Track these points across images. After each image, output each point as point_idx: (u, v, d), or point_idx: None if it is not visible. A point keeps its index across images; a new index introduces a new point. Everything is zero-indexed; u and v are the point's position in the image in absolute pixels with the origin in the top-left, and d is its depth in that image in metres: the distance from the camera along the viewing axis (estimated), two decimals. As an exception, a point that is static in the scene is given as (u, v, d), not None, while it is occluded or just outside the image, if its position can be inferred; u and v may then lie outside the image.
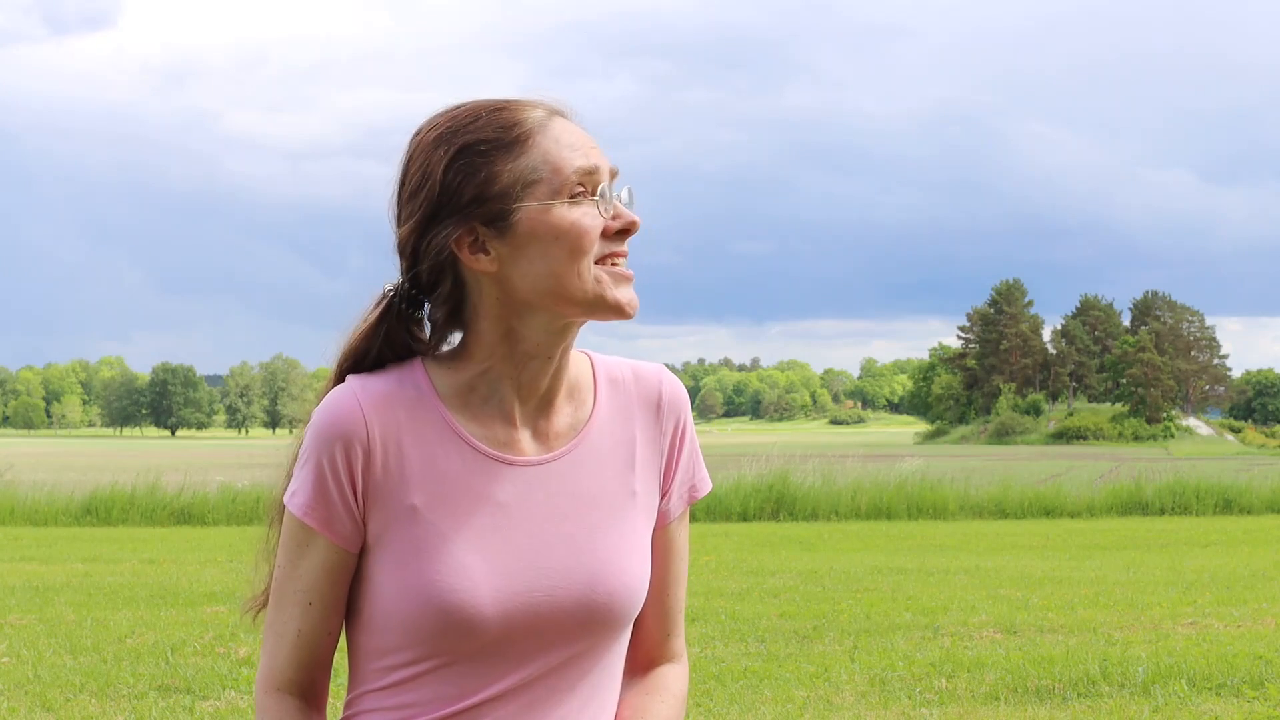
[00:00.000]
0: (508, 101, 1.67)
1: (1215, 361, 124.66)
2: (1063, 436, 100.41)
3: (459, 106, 1.67)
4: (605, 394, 1.73)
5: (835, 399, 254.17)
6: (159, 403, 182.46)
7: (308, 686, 1.68)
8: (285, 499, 1.66)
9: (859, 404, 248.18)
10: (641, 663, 1.80)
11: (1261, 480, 20.09)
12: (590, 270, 1.60)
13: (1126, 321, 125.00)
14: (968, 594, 9.69)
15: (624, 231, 1.63)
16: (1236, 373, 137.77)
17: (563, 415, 1.69)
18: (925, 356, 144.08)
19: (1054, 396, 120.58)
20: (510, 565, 1.62)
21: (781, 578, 10.80)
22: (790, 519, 17.89)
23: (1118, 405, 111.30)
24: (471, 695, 1.62)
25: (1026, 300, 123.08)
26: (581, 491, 1.67)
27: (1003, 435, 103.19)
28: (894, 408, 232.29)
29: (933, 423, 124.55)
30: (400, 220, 1.66)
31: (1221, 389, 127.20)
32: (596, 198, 1.61)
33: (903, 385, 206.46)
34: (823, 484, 18.78)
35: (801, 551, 13.40)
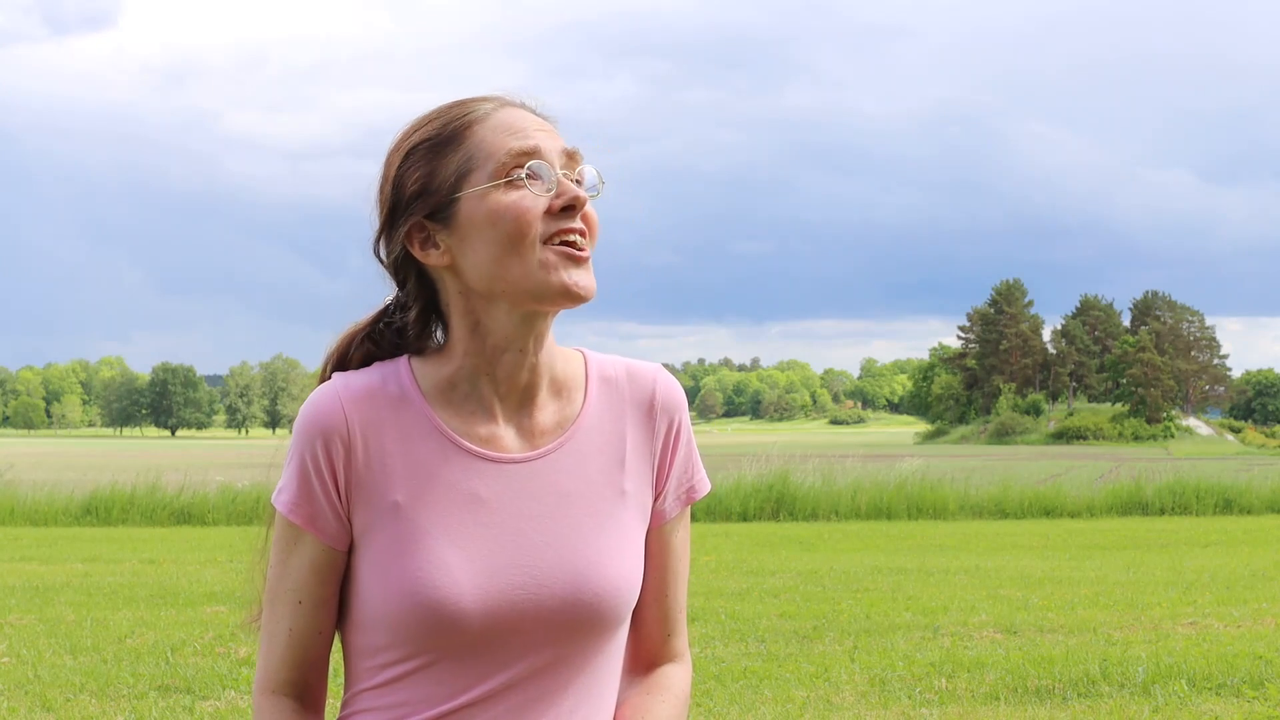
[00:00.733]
0: (464, 99, 1.67)
1: (1215, 361, 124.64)
2: (1063, 436, 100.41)
3: (424, 112, 1.69)
4: (596, 391, 1.71)
5: (835, 399, 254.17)
6: (159, 403, 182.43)
7: (303, 687, 1.68)
8: (273, 497, 1.66)
9: (859, 404, 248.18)
10: (643, 662, 1.80)
11: (1261, 480, 20.09)
12: (535, 253, 1.58)
13: (1126, 321, 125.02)
14: (968, 594, 9.69)
15: (570, 209, 1.59)
16: (1236, 373, 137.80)
17: (547, 412, 1.68)
18: (925, 356, 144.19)
19: (1054, 396, 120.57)
20: (494, 563, 1.61)
21: (781, 578, 10.80)
22: (790, 519, 17.89)
23: (1118, 405, 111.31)
24: (462, 694, 1.62)
25: (1026, 300, 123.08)
26: (567, 489, 1.66)
27: (1003, 435, 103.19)
28: (894, 408, 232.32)
29: (933, 423, 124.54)
30: (376, 228, 1.70)
31: (1221, 389, 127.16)
32: (526, 176, 1.59)
33: (903, 385, 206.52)
34: (823, 484, 18.78)
35: (801, 551, 13.40)
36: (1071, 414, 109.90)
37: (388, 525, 1.62)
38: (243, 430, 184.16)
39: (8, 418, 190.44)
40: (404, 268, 1.68)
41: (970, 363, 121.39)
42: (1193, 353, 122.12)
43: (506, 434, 1.66)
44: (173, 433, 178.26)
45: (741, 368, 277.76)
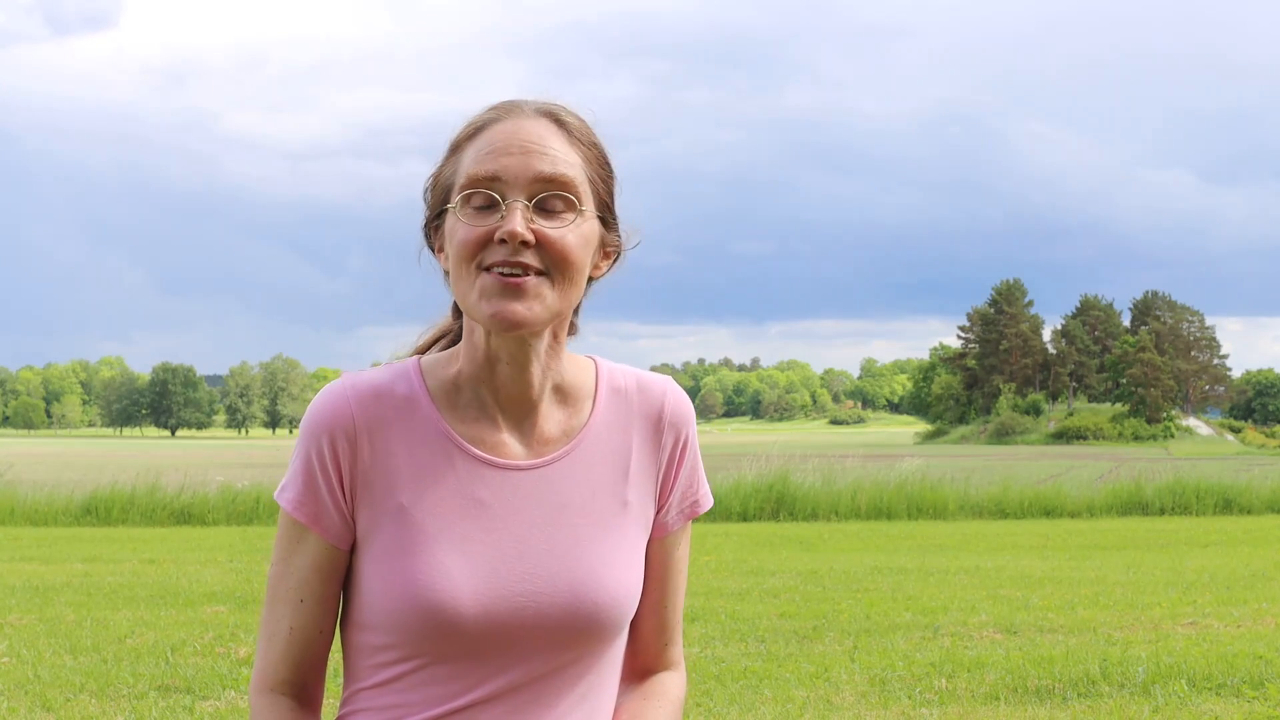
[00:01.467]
0: (496, 103, 1.69)
1: (1215, 361, 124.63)
2: (1063, 436, 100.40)
3: None
4: (605, 402, 1.72)
5: (835, 399, 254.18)
6: (159, 403, 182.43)
7: (301, 687, 1.69)
8: (276, 494, 1.67)
9: (859, 404, 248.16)
10: (639, 670, 1.81)
11: (1261, 480, 20.09)
12: (475, 278, 1.59)
13: (1126, 321, 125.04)
14: (968, 594, 9.69)
15: (504, 241, 1.58)
16: (1236, 373, 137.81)
17: (552, 421, 1.69)
18: (925, 356, 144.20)
19: (1054, 396, 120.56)
20: (494, 568, 1.62)
21: (781, 578, 10.80)
22: (790, 519, 17.89)
23: (1118, 405, 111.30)
24: (459, 697, 1.62)
25: (1026, 300, 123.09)
26: (570, 499, 1.67)
27: (1003, 435, 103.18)
28: (894, 408, 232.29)
29: (933, 423, 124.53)
30: None
31: (1221, 389, 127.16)
32: (465, 204, 1.60)
33: (903, 385, 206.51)
34: (823, 484, 18.77)
35: (801, 551, 13.39)
36: (1071, 414, 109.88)
37: (391, 526, 1.63)
38: (243, 430, 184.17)
39: (8, 418, 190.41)
40: (438, 264, 1.73)
41: (970, 363, 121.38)
42: (1193, 353, 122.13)
43: (510, 441, 1.67)
44: (173, 433, 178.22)
45: (741, 368, 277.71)
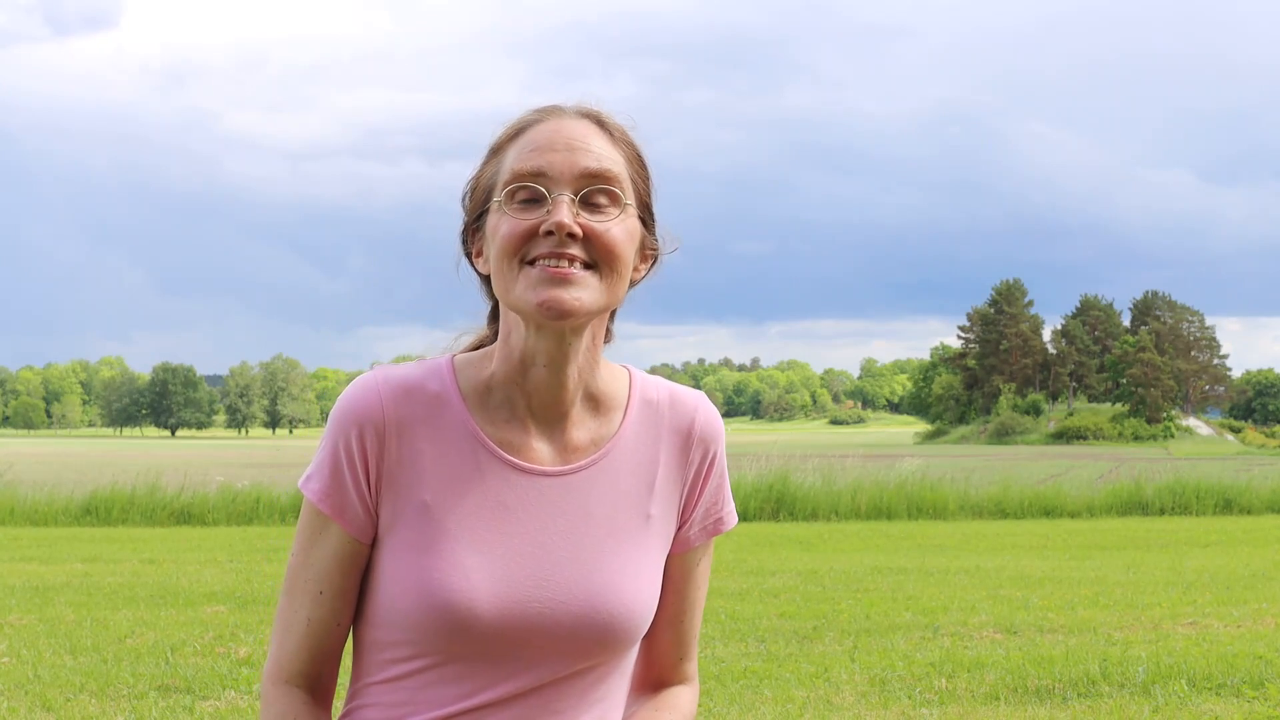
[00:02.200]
0: (538, 107, 1.70)
1: (1215, 361, 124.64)
2: (1063, 436, 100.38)
3: None
4: (636, 413, 1.72)
5: (835, 399, 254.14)
6: (159, 403, 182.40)
7: (314, 679, 1.68)
8: (301, 482, 1.67)
9: (859, 404, 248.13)
10: (652, 683, 1.81)
11: (1261, 480, 20.10)
12: (519, 271, 1.60)
13: (1126, 321, 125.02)
14: (968, 594, 9.69)
15: (551, 233, 1.60)
16: (1236, 373, 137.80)
17: (583, 429, 1.69)
18: (925, 356, 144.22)
19: (1054, 396, 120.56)
20: (512, 572, 1.62)
21: (781, 578, 10.80)
22: (790, 519, 17.89)
23: (1118, 405, 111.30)
24: (468, 699, 1.62)
25: (1026, 300, 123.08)
26: (594, 509, 1.67)
27: (1003, 435, 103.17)
28: (894, 408, 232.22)
29: (933, 423, 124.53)
30: None
31: (1221, 389, 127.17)
32: (516, 199, 1.62)
33: (903, 385, 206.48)
34: (823, 484, 18.77)
35: (801, 551, 13.39)
36: (1071, 414, 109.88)
37: (413, 523, 1.63)
38: (243, 430, 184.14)
39: (8, 418, 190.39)
40: (475, 268, 1.74)
41: (970, 363, 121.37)
42: (1193, 353, 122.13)
43: (540, 446, 1.67)
44: (173, 433, 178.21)
45: (741, 368, 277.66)
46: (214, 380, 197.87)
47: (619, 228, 1.62)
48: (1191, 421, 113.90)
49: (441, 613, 1.59)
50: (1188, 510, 18.73)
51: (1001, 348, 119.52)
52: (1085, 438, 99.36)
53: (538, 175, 1.61)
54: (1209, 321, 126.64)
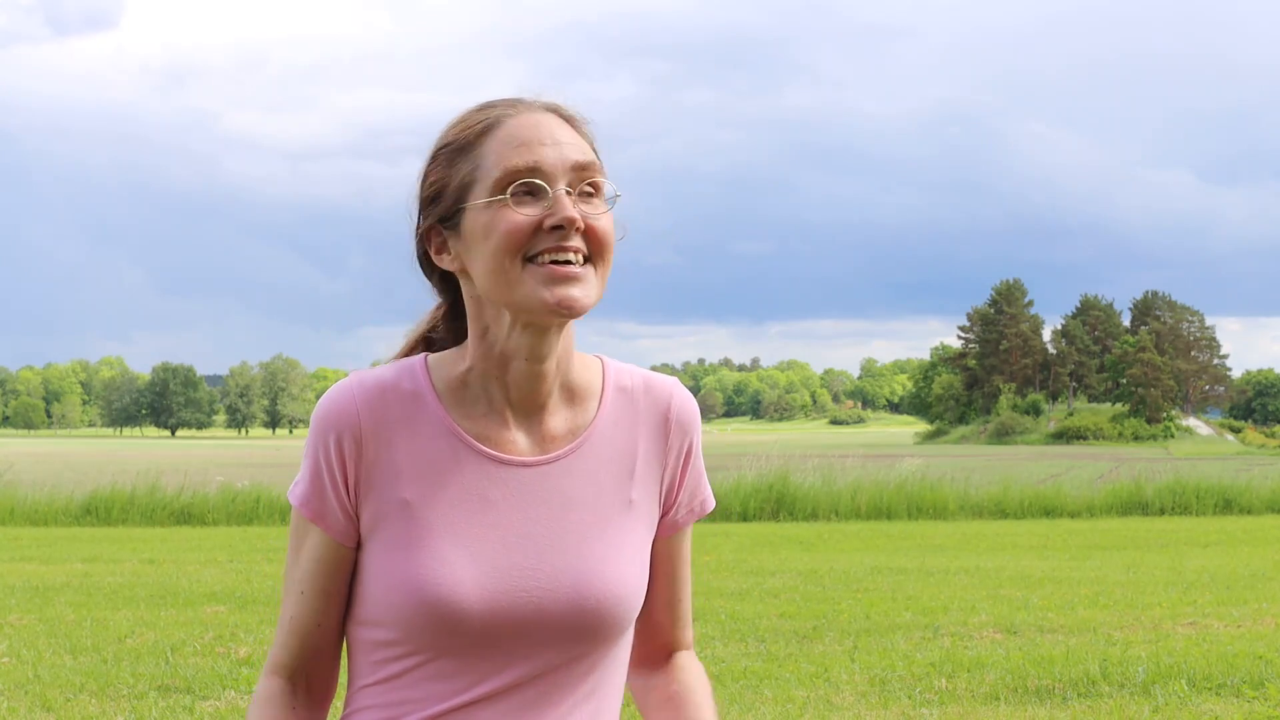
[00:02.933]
0: (491, 102, 1.69)
1: (1215, 361, 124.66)
2: (1063, 436, 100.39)
3: (460, 113, 1.72)
4: (611, 401, 1.73)
5: (835, 399, 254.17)
6: (159, 403, 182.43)
7: (299, 672, 1.71)
8: (289, 491, 1.70)
9: (859, 404, 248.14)
10: (658, 653, 1.85)
11: (1261, 480, 20.09)
12: (523, 269, 1.59)
13: (1126, 321, 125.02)
14: (968, 594, 9.69)
15: (559, 228, 1.60)
16: (1236, 373, 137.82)
17: (559, 418, 1.70)
18: (925, 356, 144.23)
19: (1054, 396, 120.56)
20: (498, 563, 1.63)
21: (781, 578, 10.80)
22: (790, 519, 17.88)
23: (1118, 405, 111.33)
24: (463, 694, 1.63)
25: (1026, 300, 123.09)
26: (575, 495, 1.68)
27: (1003, 435, 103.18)
28: (894, 408, 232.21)
29: (933, 423, 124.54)
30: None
31: (1221, 389, 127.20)
32: (519, 194, 1.61)
33: (903, 385, 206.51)
34: (823, 484, 18.77)
35: (801, 551, 13.39)
36: (1071, 414, 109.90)
37: (395, 521, 1.64)
38: (243, 430, 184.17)
39: (8, 418, 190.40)
40: (428, 266, 1.74)
41: (970, 363, 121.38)
42: (1193, 353, 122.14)
43: (518, 438, 1.68)
44: (173, 433, 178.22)
45: (741, 368, 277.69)
46: (214, 380, 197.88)
47: (608, 219, 1.64)
48: (1191, 421, 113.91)
49: (430, 607, 1.60)
50: (1188, 510, 18.73)
51: (1001, 348, 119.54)
52: (1085, 438, 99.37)
53: (534, 170, 1.60)
54: (1209, 321, 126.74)
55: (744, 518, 17.87)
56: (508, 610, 1.61)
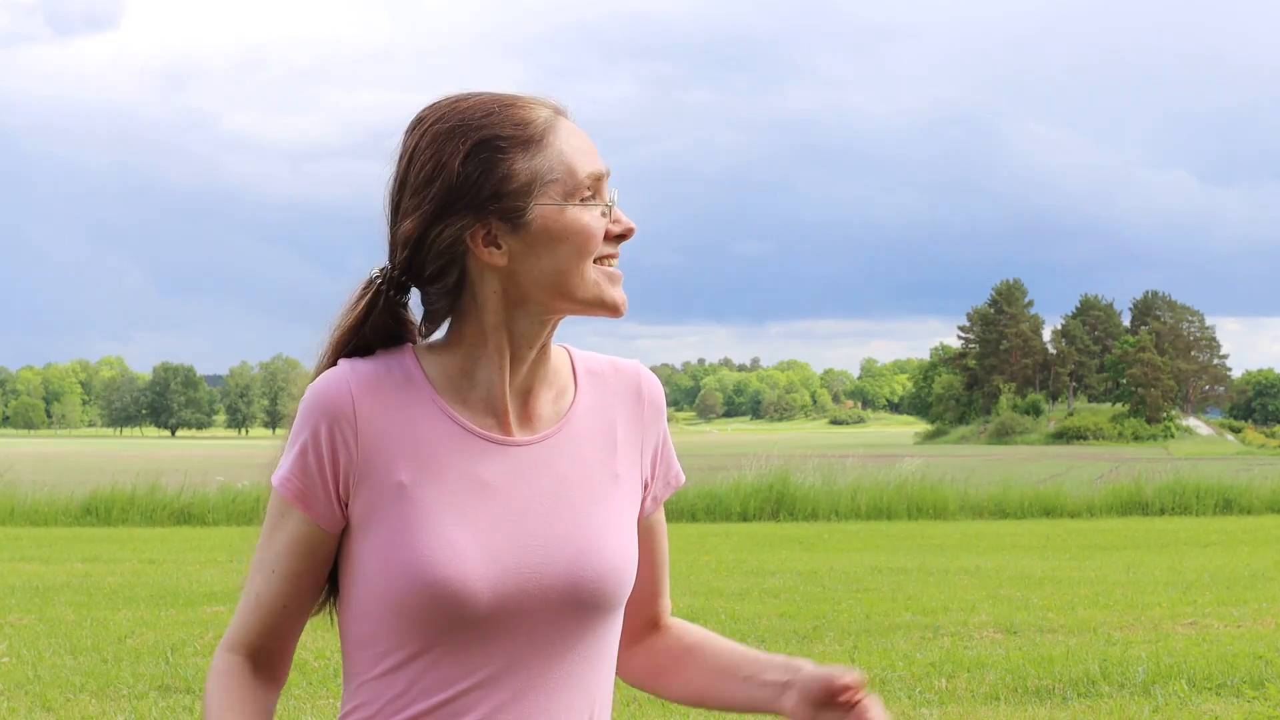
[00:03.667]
0: (515, 98, 1.70)
1: (1215, 361, 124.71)
2: (1063, 436, 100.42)
3: (464, 98, 1.69)
4: (586, 384, 1.79)
5: (835, 399, 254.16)
6: (159, 403, 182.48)
7: (258, 651, 1.71)
8: (272, 477, 1.69)
9: (859, 404, 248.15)
10: (648, 623, 1.90)
11: (1261, 480, 20.10)
12: (590, 271, 1.66)
13: (1126, 321, 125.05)
14: (968, 594, 9.69)
15: (621, 236, 1.70)
16: (1236, 373, 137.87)
17: (545, 402, 1.74)
18: (925, 356, 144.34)
19: (1054, 396, 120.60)
20: (498, 543, 1.65)
21: (781, 578, 10.81)
22: (790, 519, 17.89)
23: (1118, 405, 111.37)
24: (463, 679, 1.64)
25: (1026, 300, 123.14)
26: (566, 473, 1.72)
27: (1003, 435, 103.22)
28: (894, 408, 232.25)
29: (933, 423, 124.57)
30: (404, 210, 1.67)
31: (1221, 389, 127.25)
32: (601, 203, 1.68)
33: (903, 385, 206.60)
34: (823, 484, 18.78)
35: (801, 551, 13.40)
36: (1071, 414, 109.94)
37: (392, 506, 1.65)
38: (243, 430, 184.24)
39: (8, 418, 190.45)
40: (453, 261, 1.67)
41: (970, 363, 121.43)
42: (1193, 353, 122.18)
43: (509, 422, 1.71)
44: (173, 433, 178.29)
45: (741, 368, 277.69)
46: (214, 380, 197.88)
47: None
48: (1191, 421, 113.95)
49: (435, 592, 1.61)
50: (1188, 510, 18.73)
51: (1001, 348, 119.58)
52: (1085, 438, 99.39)
53: (603, 177, 1.69)
54: (1209, 321, 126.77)
55: (744, 518, 17.88)
56: (511, 589, 1.63)
